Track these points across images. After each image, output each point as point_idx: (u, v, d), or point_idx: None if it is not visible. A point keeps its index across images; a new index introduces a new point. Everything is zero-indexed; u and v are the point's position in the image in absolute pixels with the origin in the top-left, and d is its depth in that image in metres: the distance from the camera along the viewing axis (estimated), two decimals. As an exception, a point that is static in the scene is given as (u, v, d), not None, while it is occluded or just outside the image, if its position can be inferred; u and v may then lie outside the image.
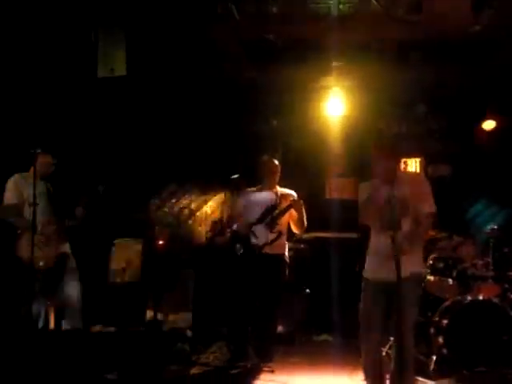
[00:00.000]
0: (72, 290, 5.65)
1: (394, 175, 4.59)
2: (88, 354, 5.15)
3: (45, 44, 6.19)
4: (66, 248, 5.73)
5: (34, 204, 5.13)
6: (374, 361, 4.60)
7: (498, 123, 7.69)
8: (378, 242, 4.56)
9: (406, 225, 4.45)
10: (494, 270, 6.06)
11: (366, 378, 4.65)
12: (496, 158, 7.66)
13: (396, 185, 4.52)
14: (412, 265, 4.44)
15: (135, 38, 5.91)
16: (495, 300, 5.82)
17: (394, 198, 4.39)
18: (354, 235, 7.81)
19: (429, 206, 4.52)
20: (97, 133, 7.62)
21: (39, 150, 5.37)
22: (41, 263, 5.36)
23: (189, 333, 7.56)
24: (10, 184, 5.54)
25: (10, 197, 5.51)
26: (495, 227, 6.31)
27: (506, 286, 6.06)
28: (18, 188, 5.50)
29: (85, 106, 7.35)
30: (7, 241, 5.54)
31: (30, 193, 5.27)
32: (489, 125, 7.74)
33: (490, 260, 6.12)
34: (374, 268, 4.62)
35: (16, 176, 5.57)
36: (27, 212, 5.38)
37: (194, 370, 5.70)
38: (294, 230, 6.02)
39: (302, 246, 7.63)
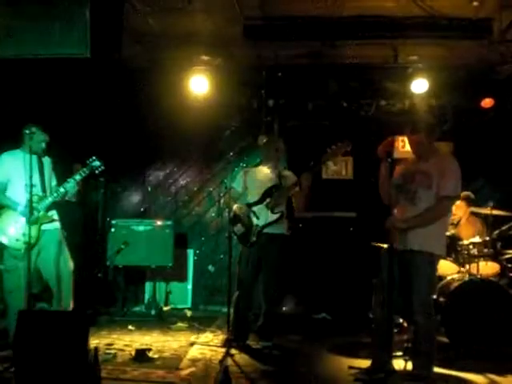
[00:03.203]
0: (58, 267, 5.46)
1: (422, 150, 4.67)
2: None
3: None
4: (55, 225, 5.58)
5: (31, 184, 5.06)
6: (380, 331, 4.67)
7: (496, 102, 7.64)
8: (394, 213, 4.66)
9: (426, 198, 4.51)
10: (492, 249, 6.07)
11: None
12: (495, 136, 7.64)
13: (423, 159, 4.63)
14: (422, 241, 4.50)
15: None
16: (494, 278, 5.85)
17: (416, 172, 4.53)
18: (352, 214, 7.83)
19: (447, 189, 4.51)
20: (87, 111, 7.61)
21: (32, 128, 5.33)
22: (17, 242, 5.29)
23: (188, 312, 7.62)
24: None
25: None
26: (494, 206, 6.31)
27: (505, 264, 6.08)
28: (3, 167, 5.41)
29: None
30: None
31: (20, 170, 5.21)
32: (487, 103, 7.69)
33: (488, 238, 6.13)
34: (389, 238, 4.70)
35: (2, 155, 5.48)
36: (18, 190, 5.34)
37: (193, 350, 5.71)
38: (293, 209, 6.01)
39: (300, 225, 7.64)
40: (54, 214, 5.58)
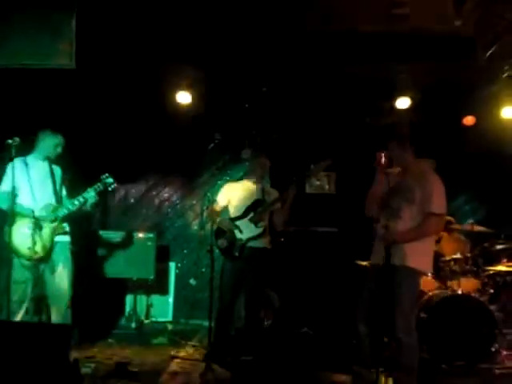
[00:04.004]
0: (61, 281, 5.40)
1: (404, 163, 4.73)
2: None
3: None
4: (67, 237, 5.50)
5: (13, 192, 5.02)
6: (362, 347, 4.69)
7: (477, 119, 7.72)
8: (378, 228, 4.69)
9: (408, 214, 4.54)
10: (473, 265, 6.12)
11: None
12: (476, 154, 7.72)
13: (406, 173, 4.68)
14: (407, 257, 4.51)
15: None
16: (474, 294, 5.89)
17: (397, 185, 4.60)
18: (334, 229, 7.86)
19: (432, 206, 4.53)
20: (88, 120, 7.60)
21: (47, 132, 5.33)
22: (29, 251, 5.16)
23: (169, 326, 7.57)
24: (8, 170, 5.30)
25: (4, 183, 5.33)
26: (475, 222, 6.37)
27: (486, 280, 6.13)
28: (13, 173, 5.16)
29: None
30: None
31: (31, 176, 5.21)
32: (469, 121, 7.78)
33: (469, 255, 6.18)
34: (372, 253, 4.78)
35: (15, 161, 5.19)
36: (26, 197, 5.29)
37: (174, 364, 5.68)
38: (275, 224, 6.03)
39: (282, 239, 7.64)
40: (66, 226, 5.51)
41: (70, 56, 5.52)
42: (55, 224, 5.35)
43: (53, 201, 5.43)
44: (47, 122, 6.99)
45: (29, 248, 5.17)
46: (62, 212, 5.38)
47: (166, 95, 7.63)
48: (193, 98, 7.61)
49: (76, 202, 5.40)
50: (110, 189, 5.59)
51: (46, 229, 5.29)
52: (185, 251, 8.37)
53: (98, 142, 7.87)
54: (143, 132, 8.03)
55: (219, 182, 7.73)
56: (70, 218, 5.51)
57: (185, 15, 6.18)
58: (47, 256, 5.30)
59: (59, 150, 5.55)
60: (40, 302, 5.47)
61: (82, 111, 7.54)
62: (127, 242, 7.49)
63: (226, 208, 5.99)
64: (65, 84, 6.84)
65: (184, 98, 7.60)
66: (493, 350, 5.54)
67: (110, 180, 5.56)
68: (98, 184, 5.49)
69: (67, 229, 5.51)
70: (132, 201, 8.51)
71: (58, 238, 5.41)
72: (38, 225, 5.23)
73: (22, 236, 5.18)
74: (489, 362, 5.52)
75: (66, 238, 5.50)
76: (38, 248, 5.17)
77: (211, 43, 6.62)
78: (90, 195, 5.43)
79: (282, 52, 6.79)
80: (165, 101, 7.67)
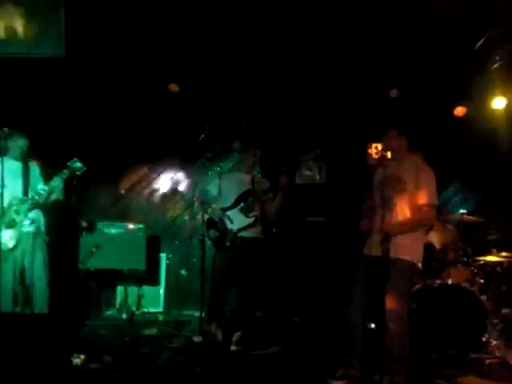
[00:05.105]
0: (38, 271, 5.55)
1: (399, 154, 4.75)
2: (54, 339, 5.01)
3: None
4: (36, 227, 5.62)
5: (2, 186, 5.08)
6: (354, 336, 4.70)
7: (469, 110, 7.72)
8: (375, 219, 4.69)
9: (400, 205, 4.54)
10: (463, 255, 6.13)
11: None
12: (467, 145, 7.73)
13: (399, 165, 4.69)
14: (402, 250, 4.53)
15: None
16: (464, 284, 5.90)
17: (390, 178, 4.57)
18: (321, 219, 7.86)
19: (424, 198, 4.56)
20: (68, 111, 7.53)
21: (7, 132, 5.29)
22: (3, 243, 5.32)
23: (160, 316, 7.57)
24: None
25: None
26: (465, 213, 6.38)
27: (476, 270, 6.14)
28: None
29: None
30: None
31: (2, 175, 5.19)
32: (459, 111, 7.78)
33: (459, 245, 6.20)
34: (366, 244, 4.80)
35: None
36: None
37: (165, 355, 5.67)
38: (267, 214, 6.04)
39: (274, 229, 7.63)
40: (35, 216, 5.61)
41: (61, 44, 5.51)
42: (20, 216, 5.47)
43: (21, 196, 5.52)
44: (36, 112, 7.02)
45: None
46: (28, 204, 5.50)
47: (157, 85, 7.59)
48: (183, 89, 7.58)
49: (42, 192, 5.50)
50: (78, 173, 5.57)
51: (11, 222, 5.41)
52: (176, 242, 8.36)
53: (87, 131, 7.83)
54: (133, 122, 7.97)
55: (210, 173, 7.71)
56: (43, 208, 5.63)
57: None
58: (18, 248, 5.46)
59: (24, 149, 5.65)
60: (21, 291, 5.58)
61: (72, 101, 7.51)
62: (118, 233, 7.47)
63: (216, 198, 5.98)
64: (54, 73, 6.81)
65: (175, 88, 7.56)
66: (483, 339, 5.56)
67: (78, 165, 5.55)
68: (64, 171, 5.52)
69: (41, 219, 5.66)
70: (122, 191, 8.48)
71: (28, 229, 5.55)
72: (2, 220, 5.33)
73: None
74: (479, 352, 5.55)
75: (37, 228, 5.62)
76: (7, 241, 5.34)
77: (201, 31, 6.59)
78: (56, 183, 5.50)
79: (270, 42, 6.78)
80: (156, 91, 7.64)
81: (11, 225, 5.42)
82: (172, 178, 8.43)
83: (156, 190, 8.49)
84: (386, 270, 4.49)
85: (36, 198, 5.50)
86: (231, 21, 6.73)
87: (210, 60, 7.38)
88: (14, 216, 5.46)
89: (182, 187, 8.39)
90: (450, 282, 5.84)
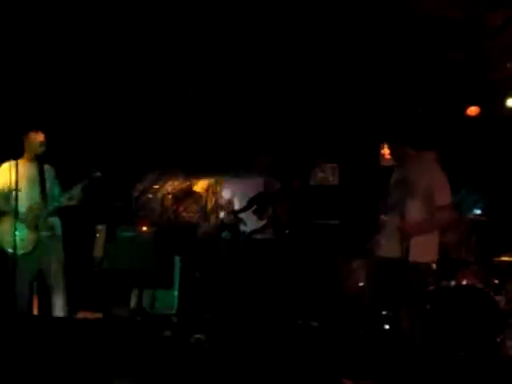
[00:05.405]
0: (55, 274, 5.64)
1: (402, 157, 4.72)
2: (73, 341, 5.10)
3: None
4: (54, 231, 5.70)
5: (16, 189, 5.18)
6: None
7: (482, 110, 7.68)
8: (388, 221, 4.66)
9: (414, 208, 4.51)
10: (477, 256, 6.10)
11: None
12: (480, 145, 7.69)
13: (407, 167, 4.65)
14: (416, 251, 4.47)
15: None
16: (479, 285, 5.87)
17: (402, 181, 4.57)
18: (335, 222, 7.84)
19: (441, 199, 4.53)
20: (85, 115, 7.59)
21: (29, 133, 5.54)
22: (18, 247, 5.33)
23: (174, 319, 7.57)
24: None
25: None
26: (480, 213, 6.35)
27: (490, 271, 6.11)
28: (4, 175, 5.49)
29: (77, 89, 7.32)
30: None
31: (20, 178, 5.32)
32: (472, 111, 7.74)
33: (474, 245, 6.17)
34: (377, 246, 4.76)
35: (5, 164, 5.59)
36: (19, 197, 5.39)
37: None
38: (280, 216, 6.05)
39: (287, 231, 7.63)
40: (54, 221, 5.71)
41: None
42: (40, 221, 5.56)
43: (40, 200, 5.61)
44: (44, 116, 7.08)
45: (15, 245, 5.32)
46: (48, 209, 5.61)
47: (173, 88, 7.63)
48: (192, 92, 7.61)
49: (61, 199, 5.65)
50: (96, 182, 5.72)
51: (32, 226, 5.51)
52: (189, 244, 8.36)
53: (100, 135, 7.89)
54: (146, 126, 8.02)
55: (223, 176, 7.71)
56: (61, 213, 5.75)
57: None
58: (36, 251, 5.52)
59: (43, 148, 5.72)
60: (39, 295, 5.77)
61: (84, 106, 7.57)
62: (131, 235, 7.50)
63: (229, 201, 6.00)
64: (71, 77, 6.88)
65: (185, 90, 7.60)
66: (498, 340, 5.53)
67: (98, 174, 5.70)
68: (85, 180, 5.66)
69: (57, 224, 5.75)
70: (136, 194, 8.51)
71: (47, 233, 5.64)
72: (24, 223, 5.47)
73: (8, 234, 5.40)
74: (494, 353, 5.51)
75: (55, 232, 5.72)
76: (25, 245, 5.42)
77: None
78: (76, 191, 5.65)
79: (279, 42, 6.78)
80: (170, 94, 7.68)
81: (30, 228, 5.51)
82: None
83: (169, 193, 8.52)
84: (405, 271, 4.45)
85: (56, 204, 5.63)
86: (245, 22, 6.72)
87: (224, 63, 7.39)
88: (34, 220, 5.54)
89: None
90: (464, 282, 5.81)
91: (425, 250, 4.58)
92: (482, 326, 5.54)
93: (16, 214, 5.38)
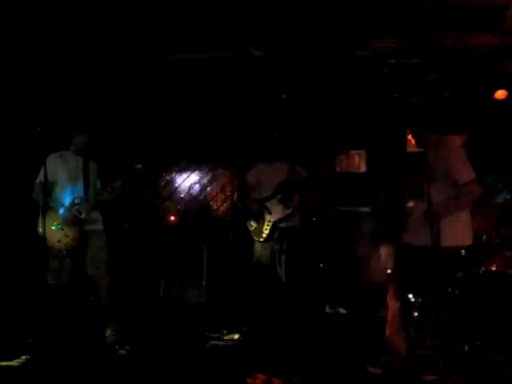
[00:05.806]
0: (96, 269, 5.64)
1: (425, 142, 4.63)
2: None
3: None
4: (96, 226, 5.72)
5: (45, 183, 5.16)
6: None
7: (509, 93, 7.56)
8: (415, 208, 4.59)
9: (437, 191, 4.41)
10: (507, 241, 6.03)
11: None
12: (509, 129, 7.58)
13: (429, 151, 4.55)
14: (446, 236, 4.35)
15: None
16: (509, 271, 5.80)
17: (425, 165, 4.45)
18: (366, 209, 7.79)
19: (464, 176, 4.47)
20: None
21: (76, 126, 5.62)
22: (61, 242, 5.41)
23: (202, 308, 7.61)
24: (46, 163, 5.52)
25: (40, 176, 5.51)
26: (510, 197, 6.27)
27: (520, 256, 6.04)
28: (50, 166, 5.41)
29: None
30: (31, 219, 5.56)
31: (64, 171, 5.44)
32: (500, 94, 7.63)
33: (503, 230, 6.09)
34: (406, 232, 4.69)
35: (50, 156, 5.55)
36: (58, 190, 5.54)
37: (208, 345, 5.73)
38: (306, 203, 6.02)
39: (314, 218, 7.60)
40: (97, 215, 5.73)
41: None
42: (83, 215, 5.55)
43: (83, 194, 5.61)
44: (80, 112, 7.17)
45: (59, 241, 5.42)
46: (91, 202, 5.61)
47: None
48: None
49: (105, 193, 5.64)
50: (138, 174, 5.75)
51: (74, 221, 5.49)
52: (216, 234, 8.38)
53: (132, 130, 7.97)
54: (173, 113, 8.06)
55: (249, 164, 7.71)
56: (102, 208, 5.75)
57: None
58: (79, 246, 5.52)
59: (89, 143, 5.74)
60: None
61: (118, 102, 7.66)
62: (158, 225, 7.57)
63: (255, 189, 5.99)
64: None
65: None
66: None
67: (139, 167, 5.72)
68: (127, 173, 5.69)
69: (99, 218, 5.74)
70: (162, 184, 8.55)
71: (90, 227, 5.63)
72: (68, 218, 5.47)
73: (52, 228, 5.40)
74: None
75: (98, 227, 5.72)
76: (68, 240, 5.42)
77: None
78: (118, 185, 5.64)
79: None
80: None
81: (73, 223, 5.49)
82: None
83: (196, 182, 8.55)
84: (435, 258, 4.32)
85: (98, 198, 5.64)
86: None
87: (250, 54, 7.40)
88: (77, 214, 5.53)
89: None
90: (493, 268, 5.75)
91: (456, 232, 4.51)
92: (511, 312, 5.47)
93: (60, 208, 5.47)
